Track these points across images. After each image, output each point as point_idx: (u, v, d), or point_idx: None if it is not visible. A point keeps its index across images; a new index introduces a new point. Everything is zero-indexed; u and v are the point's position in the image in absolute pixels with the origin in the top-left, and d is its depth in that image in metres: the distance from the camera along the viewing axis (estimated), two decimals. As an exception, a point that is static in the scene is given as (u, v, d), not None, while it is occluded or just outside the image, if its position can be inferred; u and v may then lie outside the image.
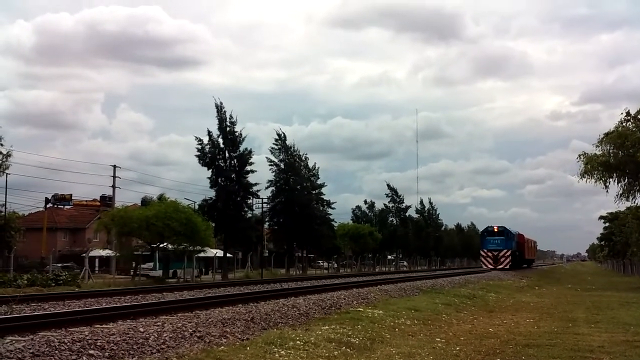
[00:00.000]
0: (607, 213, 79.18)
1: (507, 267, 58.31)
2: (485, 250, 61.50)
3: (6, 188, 49.02)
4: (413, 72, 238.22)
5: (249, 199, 53.56)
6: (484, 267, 60.21)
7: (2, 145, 42.26)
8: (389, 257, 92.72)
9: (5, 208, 53.02)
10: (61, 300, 20.50)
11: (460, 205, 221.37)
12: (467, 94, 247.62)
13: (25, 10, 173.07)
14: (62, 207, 74.33)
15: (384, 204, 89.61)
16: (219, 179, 50.17)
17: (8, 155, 41.74)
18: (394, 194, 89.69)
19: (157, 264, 46.05)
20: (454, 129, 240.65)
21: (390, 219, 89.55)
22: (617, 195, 40.84)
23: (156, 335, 11.04)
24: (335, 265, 76.93)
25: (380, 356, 11.37)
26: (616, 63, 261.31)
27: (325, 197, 65.58)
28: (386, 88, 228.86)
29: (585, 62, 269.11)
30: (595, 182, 39.77)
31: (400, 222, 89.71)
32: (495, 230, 62.12)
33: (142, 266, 45.61)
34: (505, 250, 59.68)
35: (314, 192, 63.65)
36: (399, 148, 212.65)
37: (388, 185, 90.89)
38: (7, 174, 45.02)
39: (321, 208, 64.48)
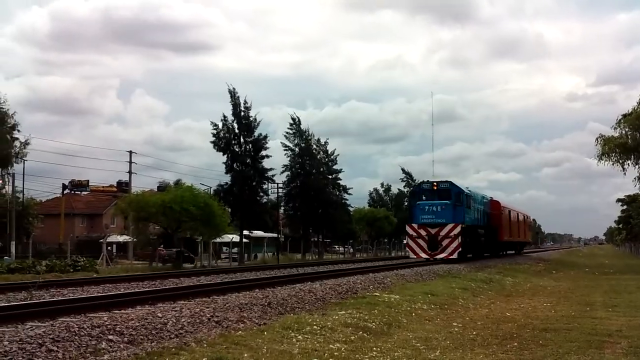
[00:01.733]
0: (624, 196, 78.77)
1: (455, 255, 33.80)
2: (415, 226, 35.02)
3: (24, 175, 49.42)
4: (427, 55, 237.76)
5: (265, 183, 53.76)
6: (411, 255, 35.82)
7: (19, 131, 42.44)
8: (405, 241, 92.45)
9: (23, 195, 53.50)
10: (80, 286, 20.68)
11: (477, 188, 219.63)
12: (482, 76, 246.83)
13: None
14: (79, 193, 74.79)
15: (398, 189, 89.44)
16: (234, 164, 50.34)
17: (27, 143, 41.91)
18: (408, 178, 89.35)
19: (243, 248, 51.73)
20: (469, 111, 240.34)
21: (406, 203, 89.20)
22: (635, 178, 40.58)
23: (174, 321, 11.13)
24: (351, 250, 76.91)
25: (397, 341, 11.37)
26: (633, 43, 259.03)
27: (341, 183, 65.63)
28: (400, 71, 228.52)
29: (601, 43, 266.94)
30: (613, 164, 39.49)
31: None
32: (435, 187, 35.52)
33: (232, 250, 51.55)
34: (450, 226, 33.86)
35: (330, 176, 63.63)
36: (414, 131, 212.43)
37: (403, 170, 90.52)
38: (24, 160, 45.38)
39: (337, 193, 64.45)
